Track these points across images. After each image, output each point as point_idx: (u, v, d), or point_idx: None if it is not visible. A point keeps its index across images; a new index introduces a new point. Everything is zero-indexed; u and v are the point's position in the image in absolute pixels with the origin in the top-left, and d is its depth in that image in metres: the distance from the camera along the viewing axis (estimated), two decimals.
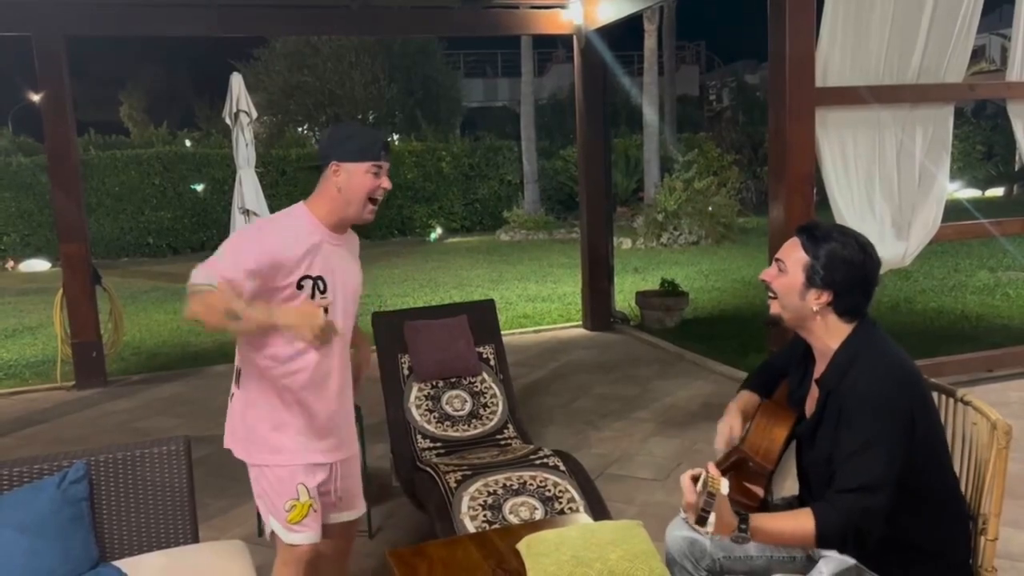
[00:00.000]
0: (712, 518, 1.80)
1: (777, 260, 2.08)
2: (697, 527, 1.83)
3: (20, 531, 2.33)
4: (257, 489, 2.42)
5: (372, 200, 2.34)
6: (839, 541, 1.89)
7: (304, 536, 2.40)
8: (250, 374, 2.38)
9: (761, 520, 1.89)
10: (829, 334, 2.03)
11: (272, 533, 2.42)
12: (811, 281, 2.00)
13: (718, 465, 2.04)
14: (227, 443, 2.46)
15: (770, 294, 2.09)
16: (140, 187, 16.01)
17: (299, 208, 2.36)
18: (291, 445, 2.39)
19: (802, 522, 1.87)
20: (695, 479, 1.87)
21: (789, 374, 2.23)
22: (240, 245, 2.25)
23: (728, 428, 2.24)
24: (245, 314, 2.09)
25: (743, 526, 1.85)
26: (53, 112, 6.19)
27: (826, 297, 1.99)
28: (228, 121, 7.06)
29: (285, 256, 2.24)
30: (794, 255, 2.03)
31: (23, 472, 2.47)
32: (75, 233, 6.34)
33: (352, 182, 2.30)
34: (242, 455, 2.41)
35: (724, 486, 1.83)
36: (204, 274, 2.14)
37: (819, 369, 2.06)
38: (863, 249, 2.00)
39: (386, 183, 2.35)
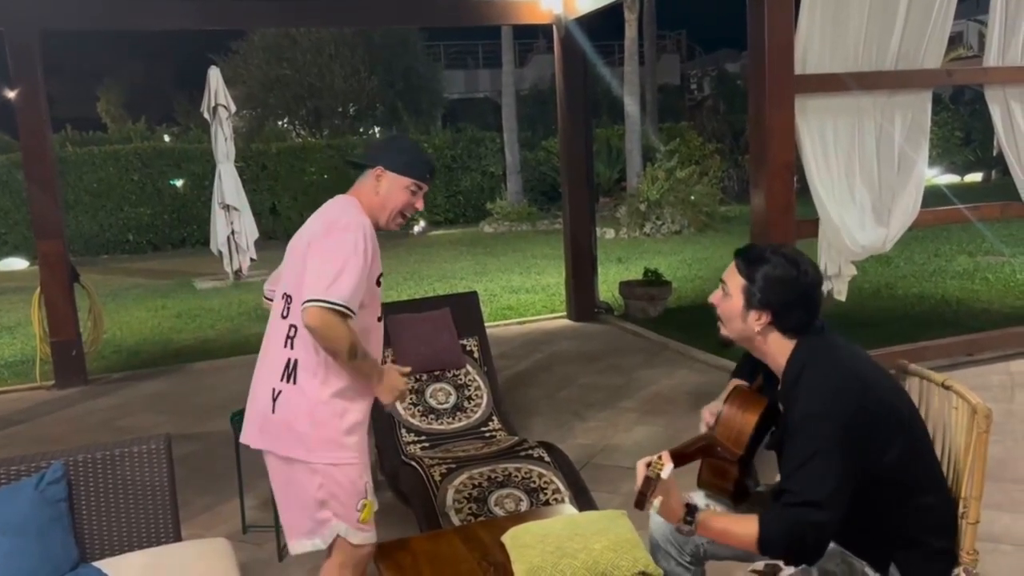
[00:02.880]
0: (656, 501, 1.85)
1: (722, 282, 2.12)
2: (637, 508, 1.87)
3: None
4: (322, 494, 2.27)
5: (403, 215, 2.43)
6: (782, 552, 1.90)
7: (371, 535, 2.38)
8: (314, 365, 2.26)
9: (708, 516, 1.93)
10: (777, 352, 2.05)
11: (334, 539, 2.32)
12: (749, 303, 2.04)
13: (684, 450, 2.07)
14: (271, 446, 2.31)
15: (718, 319, 2.13)
16: (119, 183, 15.84)
17: (358, 204, 2.37)
18: (357, 439, 2.33)
19: (747, 527, 1.89)
20: (649, 465, 1.90)
21: (761, 371, 2.25)
22: (358, 263, 2.21)
23: (708, 412, 2.27)
24: (361, 359, 2.21)
25: (689, 518, 1.90)
26: (28, 108, 6.09)
27: (765, 318, 2.02)
28: (207, 116, 7.00)
29: (377, 258, 2.32)
30: (734, 278, 2.08)
31: (0, 474, 2.44)
32: (52, 231, 6.26)
33: (391, 191, 2.38)
34: (304, 455, 2.26)
35: (666, 471, 1.86)
36: (341, 295, 2.14)
37: (780, 385, 2.08)
38: (796, 266, 2.02)
39: (420, 204, 2.45)
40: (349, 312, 2.15)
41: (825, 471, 1.84)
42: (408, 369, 2.38)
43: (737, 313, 2.06)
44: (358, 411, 2.34)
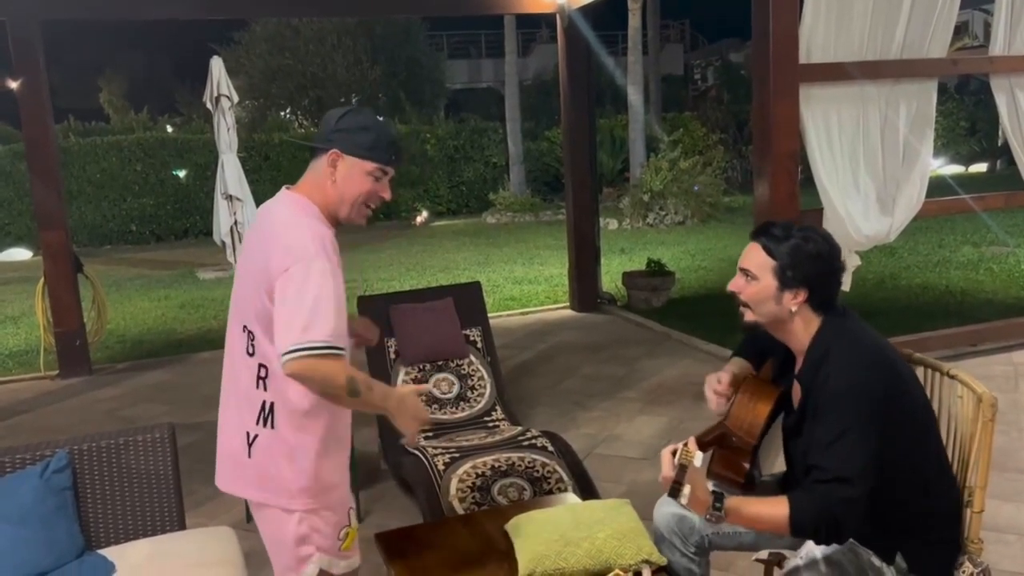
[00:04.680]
0: (686, 490, 1.81)
1: (742, 270, 2.05)
2: (671, 498, 1.85)
3: (3, 521, 2.31)
4: (304, 529, 2.07)
5: (367, 205, 2.09)
6: (812, 531, 1.88)
7: (354, 560, 2.21)
8: (292, 407, 2.02)
9: (737, 502, 1.89)
10: (803, 331, 2.02)
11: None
12: (784, 283, 1.98)
13: (701, 439, 2.05)
14: (248, 494, 2.11)
15: (741, 305, 2.07)
16: (121, 174, 15.85)
17: (311, 208, 2.04)
18: (339, 475, 2.14)
19: (777, 508, 1.86)
20: (674, 453, 1.88)
21: (774, 355, 2.23)
22: (329, 291, 1.91)
23: (716, 378, 2.22)
24: (365, 394, 1.92)
25: (717, 504, 1.85)
26: (30, 99, 6.10)
27: (803, 295, 1.98)
28: (209, 106, 6.97)
29: (339, 268, 2.03)
30: (759, 260, 2.01)
31: (5, 462, 2.45)
32: (55, 221, 6.26)
33: (350, 179, 2.02)
34: (285, 503, 2.05)
35: (698, 459, 1.83)
36: (322, 335, 1.85)
37: (798, 365, 2.06)
38: (825, 239, 1.99)
39: (386, 192, 2.08)
40: (337, 350, 1.87)
41: (855, 448, 1.83)
42: (426, 387, 2.11)
43: (770, 295, 1.99)
44: (340, 452, 2.15)
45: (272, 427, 2.03)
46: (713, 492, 1.87)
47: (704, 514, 1.86)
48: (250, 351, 2.03)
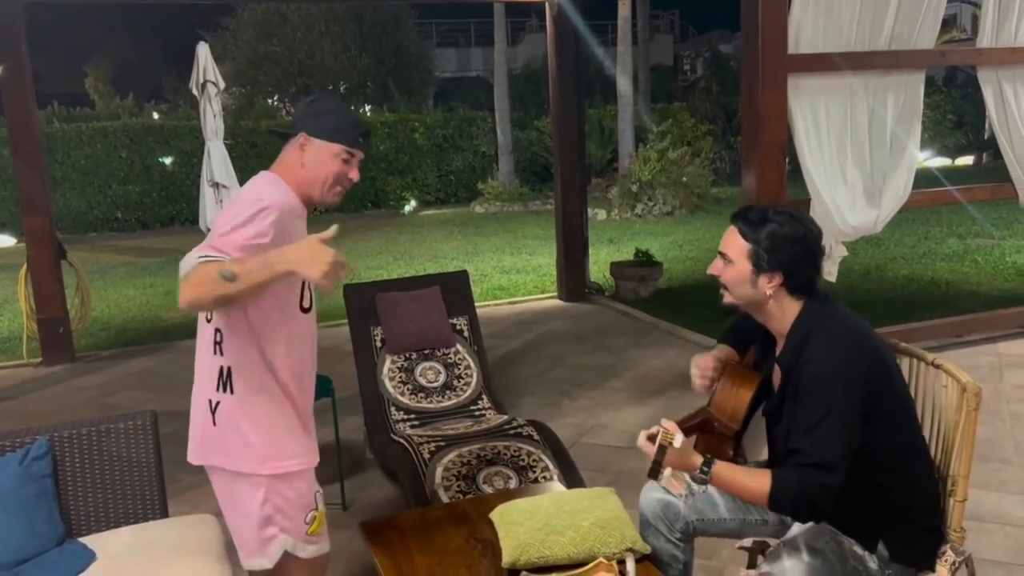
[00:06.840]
0: (667, 472, 1.89)
1: (721, 254, 2.06)
2: (651, 479, 1.91)
3: None
4: (268, 509, 2.08)
5: (338, 185, 2.12)
6: (791, 509, 1.93)
7: (323, 546, 2.21)
8: (248, 370, 2.05)
9: (723, 467, 1.95)
10: (784, 314, 2.03)
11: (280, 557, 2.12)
12: (759, 267, 1.99)
13: (684, 423, 2.07)
14: (219, 461, 2.10)
15: (722, 287, 2.09)
16: (106, 160, 15.70)
17: (281, 183, 2.07)
18: (299, 447, 2.14)
19: (760, 481, 1.91)
20: (651, 437, 1.93)
21: (755, 342, 2.24)
22: (247, 232, 1.89)
23: (701, 360, 2.24)
24: (241, 270, 1.76)
25: (705, 468, 1.93)
26: (13, 84, 6.02)
27: (777, 279, 1.99)
28: (195, 92, 6.91)
29: (290, 233, 1.99)
30: (736, 244, 2.02)
31: None
32: (38, 207, 6.20)
33: (318, 160, 2.06)
34: (253, 467, 2.07)
35: (678, 440, 1.89)
36: (196, 253, 1.85)
37: (779, 348, 2.07)
38: (801, 223, 1.99)
39: (355, 174, 2.12)
40: (211, 259, 1.82)
41: (837, 433, 1.86)
42: (331, 233, 1.87)
43: (745, 278, 2.00)
44: (301, 412, 2.16)
45: (231, 392, 2.05)
46: (704, 456, 1.94)
47: (692, 473, 1.94)
48: (208, 317, 2.08)
